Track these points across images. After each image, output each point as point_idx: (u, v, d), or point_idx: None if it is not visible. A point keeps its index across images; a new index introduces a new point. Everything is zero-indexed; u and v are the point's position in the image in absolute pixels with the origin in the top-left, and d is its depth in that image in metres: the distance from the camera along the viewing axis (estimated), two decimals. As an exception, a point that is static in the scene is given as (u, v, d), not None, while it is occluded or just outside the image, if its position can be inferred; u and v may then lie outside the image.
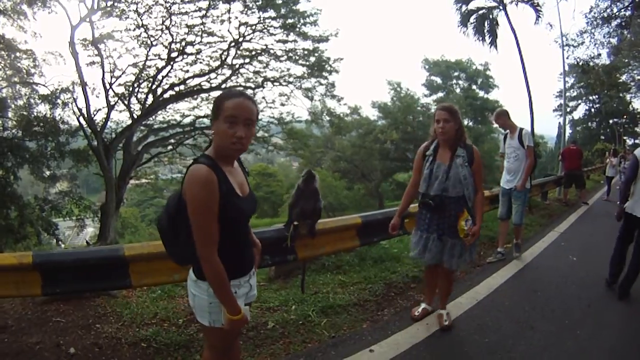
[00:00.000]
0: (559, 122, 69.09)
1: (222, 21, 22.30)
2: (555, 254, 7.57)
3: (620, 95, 43.99)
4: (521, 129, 7.10)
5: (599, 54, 29.59)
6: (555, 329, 4.46)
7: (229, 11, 21.84)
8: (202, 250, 2.10)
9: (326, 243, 5.22)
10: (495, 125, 48.88)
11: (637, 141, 46.89)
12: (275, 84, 25.58)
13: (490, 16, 25.24)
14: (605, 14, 23.73)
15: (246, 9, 22.22)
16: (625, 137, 46.26)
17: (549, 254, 7.54)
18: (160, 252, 3.41)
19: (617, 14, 23.14)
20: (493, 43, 25.86)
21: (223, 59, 23.45)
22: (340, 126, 32.27)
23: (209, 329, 2.30)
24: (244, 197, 2.32)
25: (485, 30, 25.64)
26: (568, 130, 50.32)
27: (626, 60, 34.99)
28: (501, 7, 24.18)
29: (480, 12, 25.55)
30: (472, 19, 25.87)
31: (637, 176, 5.16)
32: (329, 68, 25.78)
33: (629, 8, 22.68)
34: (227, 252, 2.17)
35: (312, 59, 25.25)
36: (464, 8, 25.76)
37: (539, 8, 24.11)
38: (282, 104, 26.46)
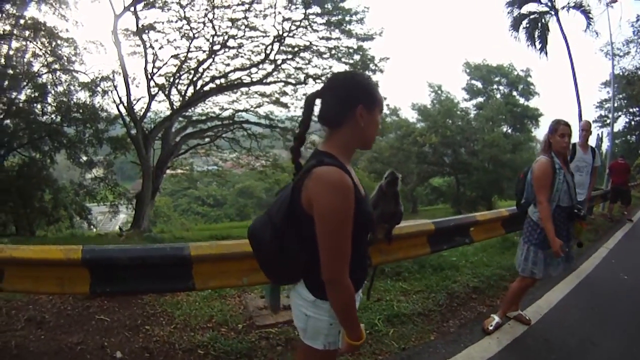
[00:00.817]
0: (597, 134, 67.85)
1: (265, 16, 22.17)
2: (606, 270, 7.35)
3: None
4: (592, 147, 7.33)
5: None
6: (616, 345, 4.38)
7: (273, 6, 21.72)
8: (334, 272, 1.78)
9: (399, 249, 4.81)
10: (535, 134, 48.48)
11: None
12: (317, 81, 25.13)
13: (542, 21, 24.83)
14: None
15: (290, 4, 22.03)
16: None
17: (600, 270, 7.30)
18: (231, 253, 3.39)
19: None
20: (543, 49, 25.40)
21: (267, 53, 23.21)
22: (382, 127, 31.91)
23: (319, 352, 2.02)
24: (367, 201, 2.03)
25: (536, 36, 25.22)
26: (606, 143, 48.62)
27: None
28: (553, 12, 23.83)
29: (532, 16, 25.16)
30: (524, 23, 25.49)
31: None
32: (373, 67, 25.40)
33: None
34: (352, 267, 1.83)
35: (356, 57, 25.02)
36: (515, 12, 25.39)
37: (590, 15, 23.92)
38: (324, 102, 26.07)
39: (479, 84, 49.12)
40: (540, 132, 52.37)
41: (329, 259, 1.76)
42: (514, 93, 48.13)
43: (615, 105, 47.28)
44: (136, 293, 4.16)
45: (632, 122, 46.74)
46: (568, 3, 24.20)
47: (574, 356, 4.10)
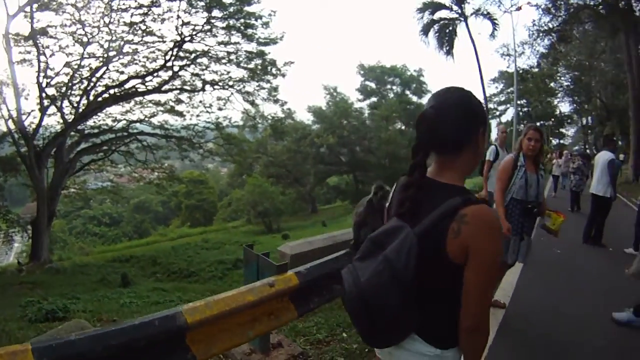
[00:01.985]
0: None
1: (164, 20, 21.48)
2: (543, 248, 8.17)
3: (549, 100, 47.80)
4: (506, 145, 8.60)
5: (539, 64, 31.81)
6: (579, 309, 5.42)
7: (173, 9, 21.19)
8: (483, 320, 1.65)
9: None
10: None
11: (562, 141, 51.81)
12: (215, 87, 24.88)
13: (451, 27, 26.92)
14: (546, 27, 25.05)
15: (190, 8, 21.53)
16: (551, 138, 50.12)
17: (538, 248, 7.68)
18: (231, 309, 2.93)
19: (557, 27, 24.42)
20: (450, 52, 27.48)
21: (166, 59, 22.50)
22: (283, 131, 32.05)
23: None
24: None
25: (444, 40, 27.30)
26: (495, 133, 53.92)
27: (557, 69, 38.37)
28: (462, 19, 25.87)
29: (442, 22, 27.32)
30: (434, 28, 27.55)
31: None
32: (275, 71, 25.46)
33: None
34: None
35: (257, 61, 24.89)
36: (426, 18, 27.27)
37: (496, 21, 27.01)
38: (220, 108, 25.74)
39: (372, 85, 51.36)
40: None
41: (480, 307, 1.63)
42: (407, 92, 51.02)
43: (504, 98, 51.84)
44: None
45: (520, 113, 51.03)
46: (477, 10, 26.83)
47: (554, 327, 4.75)
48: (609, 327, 4.86)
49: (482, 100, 46.98)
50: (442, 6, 27.55)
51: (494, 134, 21.05)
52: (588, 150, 40.26)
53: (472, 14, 27.36)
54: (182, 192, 42.89)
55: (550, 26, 25.36)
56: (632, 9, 21.56)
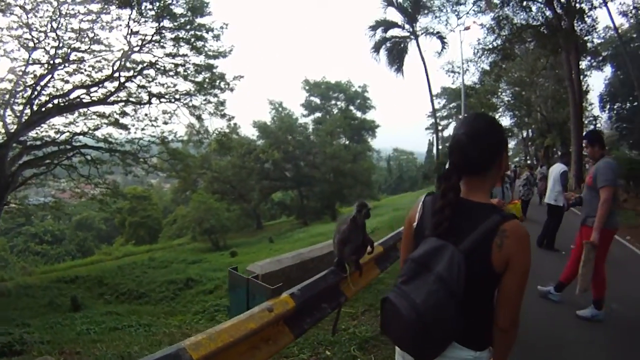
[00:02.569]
0: (429, 139, 75.91)
1: (112, 28, 20.87)
2: None
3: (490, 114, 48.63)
4: None
5: (483, 81, 33.10)
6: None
7: (129, 18, 20.71)
8: (516, 319, 1.89)
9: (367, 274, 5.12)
10: (371, 143, 52.58)
11: None
12: (162, 100, 24.29)
13: (402, 45, 27.95)
14: (491, 46, 26.12)
15: (140, 17, 21.02)
16: None
17: None
18: (236, 339, 2.84)
19: (500, 46, 25.39)
20: (400, 69, 28.45)
21: (113, 69, 21.76)
22: (229, 146, 31.64)
23: None
24: None
25: (395, 57, 28.32)
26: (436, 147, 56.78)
27: (499, 85, 40.10)
28: (413, 37, 26.90)
29: (393, 40, 28.38)
30: (386, 45, 28.51)
31: None
32: (223, 85, 25.15)
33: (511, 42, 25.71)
34: None
35: (205, 75, 24.56)
36: (378, 36, 28.28)
37: (444, 40, 28.96)
38: (165, 122, 25.11)
39: (317, 100, 52.17)
40: (377, 143, 57.84)
41: (516, 308, 1.86)
42: (351, 107, 51.88)
43: (446, 113, 53.69)
44: None
45: None
46: (427, 29, 28.71)
47: (522, 326, 4.88)
48: (573, 322, 5.61)
49: (430, 114, 48.94)
50: (395, 24, 28.74)
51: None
52: (529, 161, 43.17)
53: (422, 33, 28.51)
54: (125, 209, 41.03)
55: (495, 45, 26.53)
56: (573, 29, 23.01)
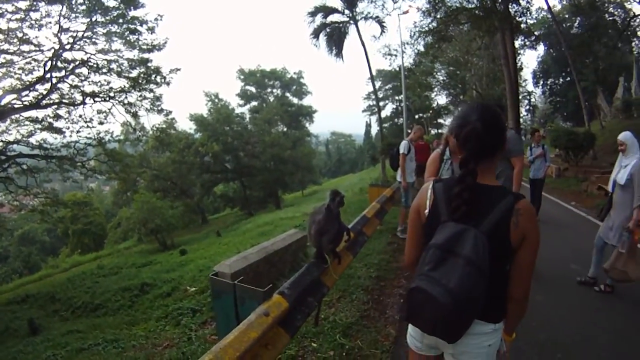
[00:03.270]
0: (366, 121, 77.16)
1: (41, 26, 19.39)
2: None
3: (426, 94, 51.90)
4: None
5: (420, 62, 33.91)
6: None
7: (60, 14, 19.43)
8: (529, 288, 2.06)
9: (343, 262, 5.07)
10: (309, 128, 53.20)
11: (440, 131, 54.68)
12: (96, 99, 23.17)
13: (341, 30, 28.27)
14: (427, 29, 26.93)
15: (70, 12, 19.77)
16: (430, 129, 53.44)
17: None
18: (242, 352, 2.68)
19: (436, 28, 25.90)
20: (339, 54, 28.71)
21: (45, 70, 20.33)
22: (168, 142, 30.86)
23: None
24: None
25: (334, 42, 28.60)
26: (376, 128, 61.53)
27: (434, 66, 41.35)
28: (352, 22, 27.24)
29: (333, 25, 28.75)
30: (326, 31, 28.79)
31: None
32: (159, 80, 24.31)
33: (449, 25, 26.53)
34: None
35: (140, 70, 23.67)
36: (318, 21, 28.76)
37: (383, 24, 29.12)
38: (101, 122, 23.95)
39: (253, 89, 51.91)
40: (315, 128, 58.79)
41: (529, 279, 2.04)
42: (288, 94, 51.97)
43: (382, 95, 54.61)
44: None
45: (398, 108, 54.43)
46: (367, 14, 28.82)
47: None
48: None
49: (366, 96, 50.40)
50: (334, 10, 28.77)
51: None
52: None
53: (362, 18, 28.80)
54: (67, 217, 38.96)
55: (430, 27, 26.97)
56: (508, 11, 23.76)
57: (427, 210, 2.13)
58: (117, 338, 9.74)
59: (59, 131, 22.92)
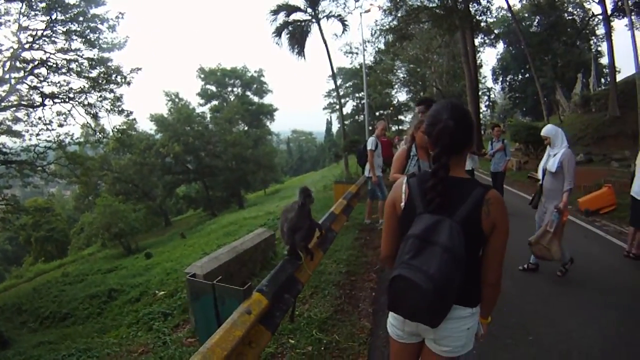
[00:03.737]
0: (327, 119, 77.27)
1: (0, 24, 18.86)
2: None
3: (387, 91, 52.70)
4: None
5: (381, 59, 34.36)
6: None
7: (19, 12, 18.99)
8: (501, 274, 2.21)
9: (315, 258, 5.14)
10: (270, 127, 53.22)
11: (400, 127, 57.00)
12: (55, 100, 22.36)
13: (303, 28, 28.38)
14: (388, 27, 27.19)
15: (29, 10, 19.24)
16: (390, 125, 54.66)
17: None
18: (229, 352, 2.72)
19: (397, 27, 26.29)
20: (301, 52, 28.81)
21: (4, 70, 19.75)
22: (130, 143, 30.43)
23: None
24: None
25: (296, 41, 28.72)
26: (337, 125, 64.69)
27: (394, 63, 41.89)
28: (314, 21, 27.40)
29: (295, 24, 28.90)
30: (288, 29, 28.86)
31: None
32: (119, 79, 23.83)
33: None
34: None
35: (100, 69, 23.12)
36: (280, 19, 29.08)
37: (345, 22, 29.35)
38: (61, 125, 23.16)
39: (213, 88, 51.42)
40: (276, 126, 59.18)
41: (501, 265, 2.18)
42: (248, 93, 51.74)
43: (342, 93, 54.92)
44: None
45: (360, 105, 54.82)
46: (329, 13, 29.23)
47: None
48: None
49: (327, 94, 50.83)
50: (296, 8, 28.77)
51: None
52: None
53: (324, 17, 28.94)
54: (29, 224, 38.05)
55: (391, 25, 27.40)
56: (469, 10, 24.39)
57: (402, 204, 2.26)
58: (89, 347, 9.56)
59: (18, 135, 22.25)
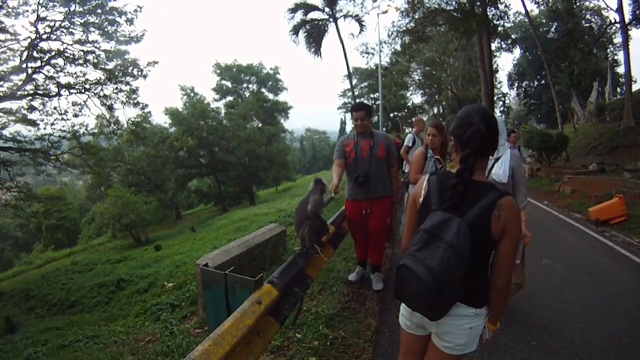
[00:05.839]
0: (341, 118, 77.22)
1: (18, 14, 19.03)
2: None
3: (401, 92, 52.77)
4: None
5: (397, 61, 34.19)
6: None
7: (38, 2, 19.09)
8: (510, 278, 2.24)
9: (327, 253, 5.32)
10: (284, 124, 52.91)
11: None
12: (71, 91, 22.71)
13: (320, 27, 28.45)
14: (404, 29, 27.38)
15: (48, 1, 19.45)
16: (404, 127, 52.98)
17: None
18: (239, 339, 2.82)
19: (414, 29, 26.24)
20: (318, 51, 28.81)
21: (21, 60, 19.96)
22: (144, 136, 30.56)
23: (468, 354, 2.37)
24: None
25: (313, 39, 28.77)
26: (350, 125, 58.93)
27: (410, 65, 41.72)
28: (332, 20, 27.38)
29: (313, 22, 28.88)
30: (305, 28, 28.94)
31: None
32: (136, 72, 24.06)
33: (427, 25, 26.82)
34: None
35: (116, 61, 23.46)
36: (297, 18, 28.91)
37: (362, 22, 29.74)
38: (76, 115, 23.48)
39: (228, 84, 51.25)
40: (290, 124, 58.90)
41: (511, 270, 2.20)
42: (263, 90, 51.73)
43: (357, 93, 54.81)
44: None
45: (374, 106, 55.09)
46: (347, 12, 29.50)
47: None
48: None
49: (342, 93, 50.83)
50: (314, 7, 28.87)
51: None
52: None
53: (342, 16, 28.99)
54: (40, 212, 38.03)
55: (408, 27, 27.40)
56: (486, 14, 24.23)
57: (421, 199, 2.36)
58: (97, 334, 9.63)
59: (33, 123, 22.46)
